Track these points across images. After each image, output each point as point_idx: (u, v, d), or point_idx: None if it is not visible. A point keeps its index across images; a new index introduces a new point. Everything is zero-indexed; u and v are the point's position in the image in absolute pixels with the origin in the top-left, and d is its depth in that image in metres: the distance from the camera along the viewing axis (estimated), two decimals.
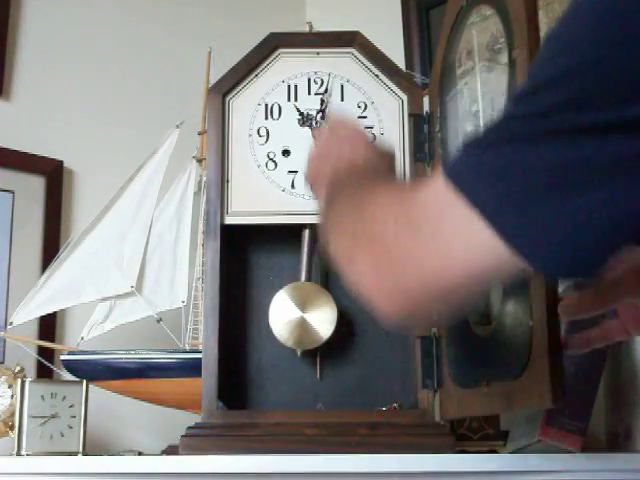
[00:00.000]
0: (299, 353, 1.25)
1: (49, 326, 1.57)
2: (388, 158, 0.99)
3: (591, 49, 0.56)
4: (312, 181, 0.98)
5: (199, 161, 1.47)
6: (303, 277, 1.25)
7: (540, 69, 0.60)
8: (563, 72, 0.57)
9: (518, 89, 0.62)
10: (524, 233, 0.58)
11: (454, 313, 0.72)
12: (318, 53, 1.30)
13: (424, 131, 1.25)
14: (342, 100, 1.28)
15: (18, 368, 1.32)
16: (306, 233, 1.26)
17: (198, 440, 1.16)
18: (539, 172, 0.57)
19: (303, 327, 1.22)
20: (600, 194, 0.56)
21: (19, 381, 1.25)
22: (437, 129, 1.20)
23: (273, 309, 1.23)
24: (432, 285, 0.64)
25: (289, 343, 1.22)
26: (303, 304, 1.23)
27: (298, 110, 1.28)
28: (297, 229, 1.27)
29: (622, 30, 0.54)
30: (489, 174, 0.59)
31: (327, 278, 1.28)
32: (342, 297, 1.25)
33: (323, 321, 1.22)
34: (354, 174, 0.85)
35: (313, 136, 1.09)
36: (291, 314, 1.22)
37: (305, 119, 1.27)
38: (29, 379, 1.27)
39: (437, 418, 1.20)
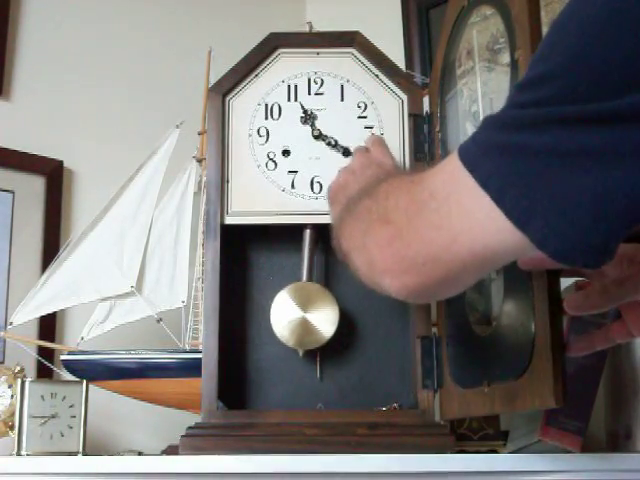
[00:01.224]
0: (301, 353, 1.24)
1: (49, 326, 1.57)
2: None
3: (579, 50, 0.59)
4: (334, 194, 1.07)
5: (199, 161, 1.47)
6: (304, 277, 1.25)
7: (540, 61, 0.63)
8: (558, 67, 0.60)
9: (522, 78, 0.65)
10: (528, 213, 0.61)
11: (463, 288, 0.75)
12: (318, 53, 1.30)
13: (424, 131, 1.25)
14: (342, 100, 1.28)
15: (18, 368, 1.32)
16: (307, 233, 1.25)
17: (198, 440, 1.16)
18: (542, 157, 0.59)
19: (305, 327, 1.22)
20: (601, 179, 0.58)
21: (19, 381, 1.25)
22: (437, 129, 1.20)
23: (274, 309, 1.22)
24: (439, 261, 0.68)
25: (290, 343, 1.22)
26: (305, 304, 1.22)
27: (302, 107, 1.27)
28: (297, 229, 1.27)
29: (604, 40, 0.58)
30: (497, 155, 0.62)
31: (328, 278, 1.28)
32: (343, 297, 1.25)
33: (325, 321, 1.22)
34: (367, 187, 0.89)
35: (354, 153, 1.15)
36: (292, 314, 1.22)
37: (308, 117, 1.27)
38: (29, 379, 1.27)
39: (437, 418, 1.20)
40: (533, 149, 0.60)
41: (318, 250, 1.27)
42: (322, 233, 1.24)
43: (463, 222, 0.65)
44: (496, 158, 0.62)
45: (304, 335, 1.21)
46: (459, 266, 0.68)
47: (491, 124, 0.64)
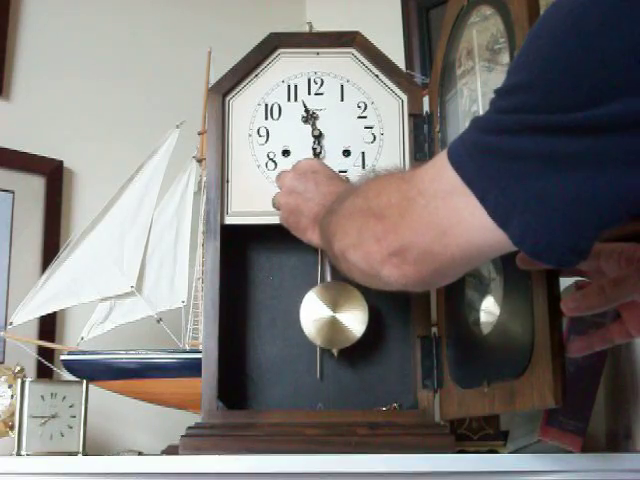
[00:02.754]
0: (335, 353, 1.23)
1: (49, 326, 1.57)
2: (345, 181, 1.13)
3: (550, 62, 0.61)
4: (293, 222, 1.12)
5: (199, 161, 1.47)
6: (329, 276, 1.24)
7: (517, 70, 0.65)
8: (532, 77, 0.62)
9: (502, 84, 0.67)
10: (508, 212, 0.64)
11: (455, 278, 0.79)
12: (318, 53, 1.30)
13: (424, 131, 1.25)
14: (342, 100, 1.28)
15: (18, 368, 1.32)
16: None
17: (198, 440, 1.16)
18: (520, 161, 0.62)
19: (335, 326, 1.21)
20: (573, 184, 0.60)
21: (19, 381, 1.25)
22: (437, 129, 1.20)
23: (303, 310, 1.22)
24: (431, 254, 0.71)
25: (319, 342, 1.21)
26: (334, 303, 1.22)
27: (304, 106, 1.27)
28: None
29: (575, 51, 0.60)
30: (481, 156, 0.65)
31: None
32: None
33: (355, 320, 1.21)
34: (341, 194, 0.93)
35: (277, 181, 1.20)
36: (322, 314, 1.21)
37: (309, 117, 1.27)
38: (29, 379, 1.27)
39: (437, 418, 1.20)
40: (512, 153, 0.62)
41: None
42: None
43: (450, 218, 0.68)
44: (480, 159, 0.65)
45: (334, 334, 1.21)
46: (449, 259, 0.71)
47: (477, 126, 0.67)
